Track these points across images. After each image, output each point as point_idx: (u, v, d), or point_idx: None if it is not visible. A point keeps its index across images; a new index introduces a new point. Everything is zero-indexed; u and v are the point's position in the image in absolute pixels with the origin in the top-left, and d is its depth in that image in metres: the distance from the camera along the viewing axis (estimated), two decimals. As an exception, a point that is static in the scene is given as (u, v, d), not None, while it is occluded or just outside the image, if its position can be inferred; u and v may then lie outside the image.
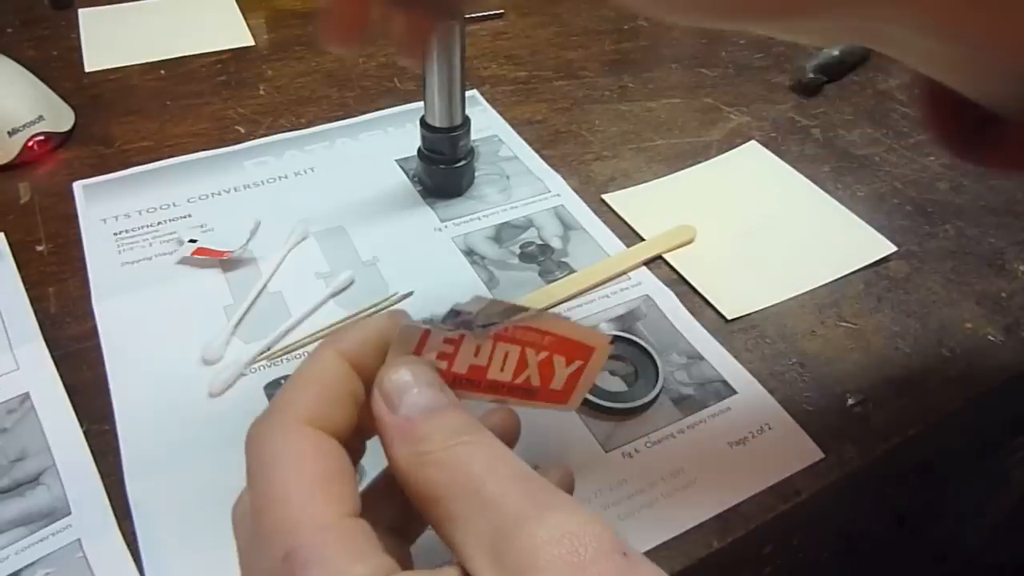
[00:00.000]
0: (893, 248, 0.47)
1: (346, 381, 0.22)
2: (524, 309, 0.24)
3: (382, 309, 0.42)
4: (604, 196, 0.51)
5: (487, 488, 0.19)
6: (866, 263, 0.46)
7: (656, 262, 0.46)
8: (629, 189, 0.51)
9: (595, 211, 0.49)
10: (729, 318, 0.43)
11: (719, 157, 0.54)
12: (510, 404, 0.26)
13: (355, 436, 0.23)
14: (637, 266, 0.45)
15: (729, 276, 0.45)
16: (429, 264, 0.45)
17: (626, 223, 0.49)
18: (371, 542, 0.20)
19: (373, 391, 0.22)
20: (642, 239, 0.47)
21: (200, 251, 0.45)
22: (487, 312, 0.23)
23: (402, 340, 0.23)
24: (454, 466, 0.20)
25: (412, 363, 0.22)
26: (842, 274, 0.46)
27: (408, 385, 0.22)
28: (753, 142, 0.56)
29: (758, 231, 0.48)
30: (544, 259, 0.46)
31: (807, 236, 0.48)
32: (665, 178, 0.53)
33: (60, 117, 0.54)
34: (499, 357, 0.25)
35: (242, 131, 0.55)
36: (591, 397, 0.37)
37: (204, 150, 0.53)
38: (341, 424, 0.22)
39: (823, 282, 0.45)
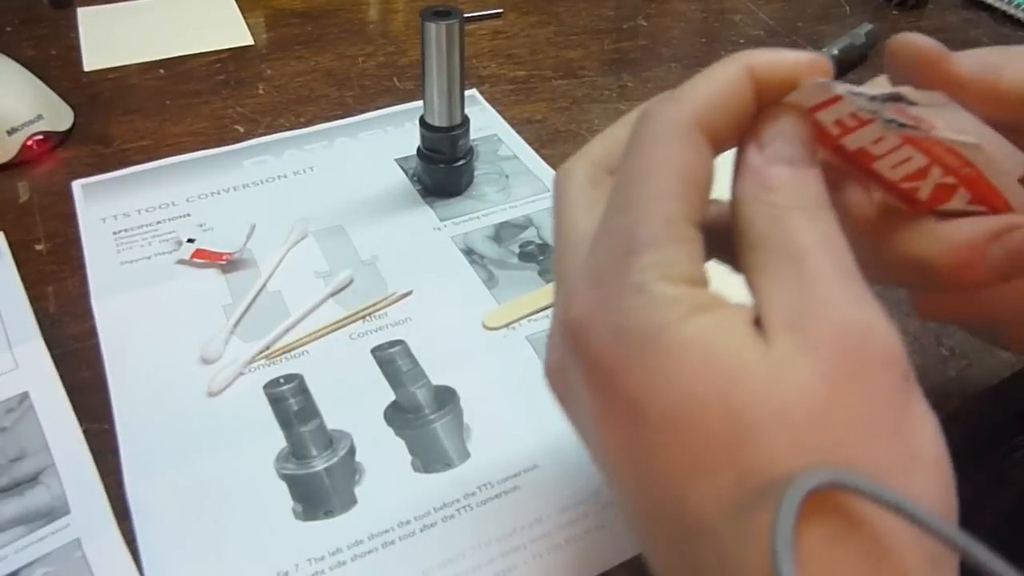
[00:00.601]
0: None
1: (743, 98, 0.22)
2: (969, 135, 0.22)
3: (381, 309, 0.42)
4: None
5: (810, 261, 0.20)
6: None
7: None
8: None
9: (594, 210, 0.49)
10: None
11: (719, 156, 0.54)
12: (881, 196, 0.25)
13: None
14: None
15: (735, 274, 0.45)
16: (428, 263, 0.45)
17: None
18: (702, 255, 0.21)
19: (753, 122, 0.22)
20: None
21: (199, 253, 0.45)
22: (932, 117, 0.21)
23: (809, 89, 0.22)
24: (789, 227, 0.20)
25: (799, 117, 0.22)
26: None
27: (784, 133, 0.22)
28: None
29: None
30: (544, 258, 0.46)
31: None
32: None
33: (59, 116, 0.54)
34: (898, 157, 0.23)
35: (241, 130, 0.55)
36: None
37: (203, 149, 0.53)
38: (721, 137, 0.22)
39: None
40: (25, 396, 0.37)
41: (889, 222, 0.26)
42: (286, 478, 0.35)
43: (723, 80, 0.22)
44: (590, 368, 0.21)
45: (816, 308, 0.19)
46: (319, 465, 0.35)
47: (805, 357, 0.19)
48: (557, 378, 0.24)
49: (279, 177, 0.51)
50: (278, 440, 0.36)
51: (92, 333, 0.41)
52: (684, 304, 0.20)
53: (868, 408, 0.18)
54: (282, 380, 0.39)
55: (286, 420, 0.37)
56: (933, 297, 0.28)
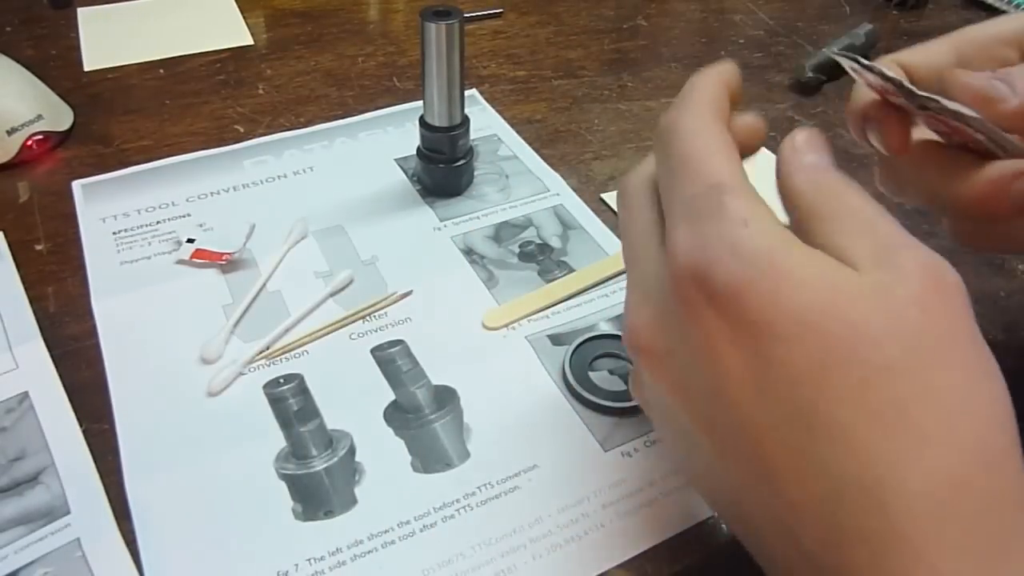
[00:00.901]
0: None
1: (724, 94, 0.28)
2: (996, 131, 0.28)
3: (381, 309, 0.42)
4: (603, 195, 0.51)
5: (866, 212, 0.24)
6: None
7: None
8: None
9: (594, 210, 0.49)
10: None
11: None
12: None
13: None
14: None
15: None
16: (428, 263, 0.45)
17: (625, 222, 0.49)
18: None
19: (787, 138, 0.27)
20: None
21: (199, 253, 0.45)
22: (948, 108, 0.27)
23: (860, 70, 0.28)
24: (842, 194, 0.25)
25: (818, 133, 0.27)
26: None
27: (810, 142, 0.27)
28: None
29: None
30: (543, 258, 0.46)
31: None
32: None
33: (59, 116, 0.54)
34: (928, 122, 0.30)
35: (241, 130, 0.55)
36: (590, 396, 0.37)
37: (203, 149, 0.53)
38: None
39: None
40: (25, 396, 0.37)
41: (929, 156, 0.31)
42: (286, 478, 0.35)
43: (709, 83, 0.28)
44: (711, 300, 0.23)
45: (895, 250, 0.23)
46: (319, 465, 0.35)
47: (900, 284, 0.22)
48: (649, 335, 0.26)
49: (279, 177, 0.51)
50: (278, 440, 0.36)
51: (92, 333, 0.41)
52: (784, 234, 0.23)
53: (954, 322, 0.22)
54: (282, 380, 0.39)
55: (286, 420, 0.37)
56: (966, 226, 0.33)
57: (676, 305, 0.24)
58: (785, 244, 0.23)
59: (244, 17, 0.69)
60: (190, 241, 0.45)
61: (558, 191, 0.51)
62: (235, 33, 0.66)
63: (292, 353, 0.40)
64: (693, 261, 0.23)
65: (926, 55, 0.34)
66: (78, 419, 0.36)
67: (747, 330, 0.22)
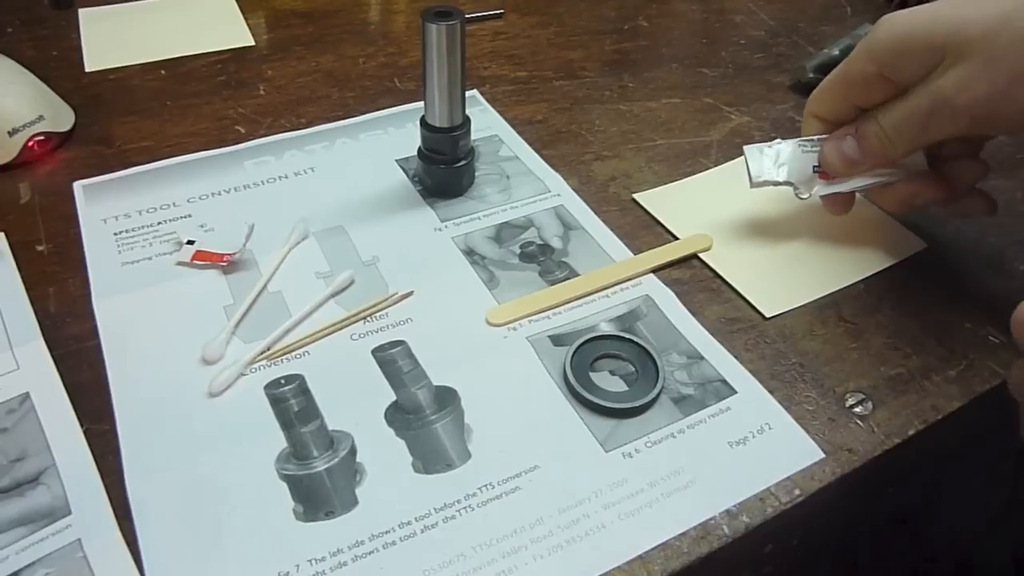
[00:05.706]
0: (924, 245, 0.47)
1: None
2: None
3: (382, 310, 0.42)
4: (636, 196, 0.51)
5: None
6: (897, 259, 0.46)
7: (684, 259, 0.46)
8: (658, 189, 0.51)
9: (595, 211, 0.49)
10: (768, 316, 0.43)
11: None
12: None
13: None
14: (660, 267, 0.46)
15: (763, 274, 0.45)
16: (429, 264, 0.45)
17: (626, 224, 0.49)
18: None
19: None
20: (673, 236, 0.48)
21: (199, 255, 0.45)
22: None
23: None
24: None
25: None
26: (875, 271, 0.46)
27: None
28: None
29: (790, 228, 0.48)
30: (544, 259, 0.46)
31: (839, 233, 0.48)
32: (692, 178, 0.52)
33: (60, 117, 0.54)
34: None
35: (242, 131, 0.55)
36: (591, 397, 0.37)
37: (204, 150, 0.53)
38: None
39: (858, 278, 0.45)
40: (26, 397, 0.37)
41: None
42: (287, 479, 0.35)
43: None
44: None
45: None
46: (320, 466, 0.35)
47: None
48: None
49: (280, 178, 0.51)
50: (279, 441, 0.36)
51: (93, 334, 0.41)
52: None
53: None
54: (283, 381, 0.39)
55: (287, 421, 0.37)
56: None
57: None
58: None
59: (245, 18, 0.69)
60: (190, 243, 0.45)
61: (559, 192, 0.51)
62: (236, 34, 0.66)
63: (293, 354, 0.40)
64: None
65: (829, 107, 0.44)
66: (79, 420, 0.36)
67: None
